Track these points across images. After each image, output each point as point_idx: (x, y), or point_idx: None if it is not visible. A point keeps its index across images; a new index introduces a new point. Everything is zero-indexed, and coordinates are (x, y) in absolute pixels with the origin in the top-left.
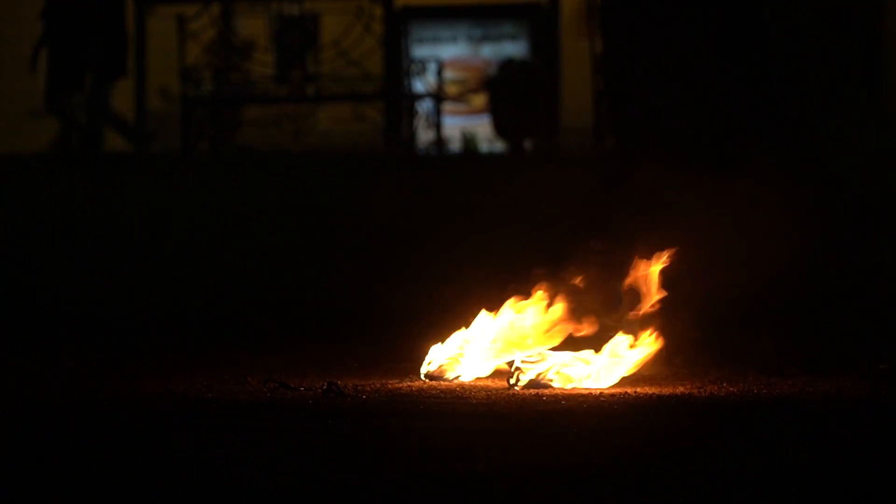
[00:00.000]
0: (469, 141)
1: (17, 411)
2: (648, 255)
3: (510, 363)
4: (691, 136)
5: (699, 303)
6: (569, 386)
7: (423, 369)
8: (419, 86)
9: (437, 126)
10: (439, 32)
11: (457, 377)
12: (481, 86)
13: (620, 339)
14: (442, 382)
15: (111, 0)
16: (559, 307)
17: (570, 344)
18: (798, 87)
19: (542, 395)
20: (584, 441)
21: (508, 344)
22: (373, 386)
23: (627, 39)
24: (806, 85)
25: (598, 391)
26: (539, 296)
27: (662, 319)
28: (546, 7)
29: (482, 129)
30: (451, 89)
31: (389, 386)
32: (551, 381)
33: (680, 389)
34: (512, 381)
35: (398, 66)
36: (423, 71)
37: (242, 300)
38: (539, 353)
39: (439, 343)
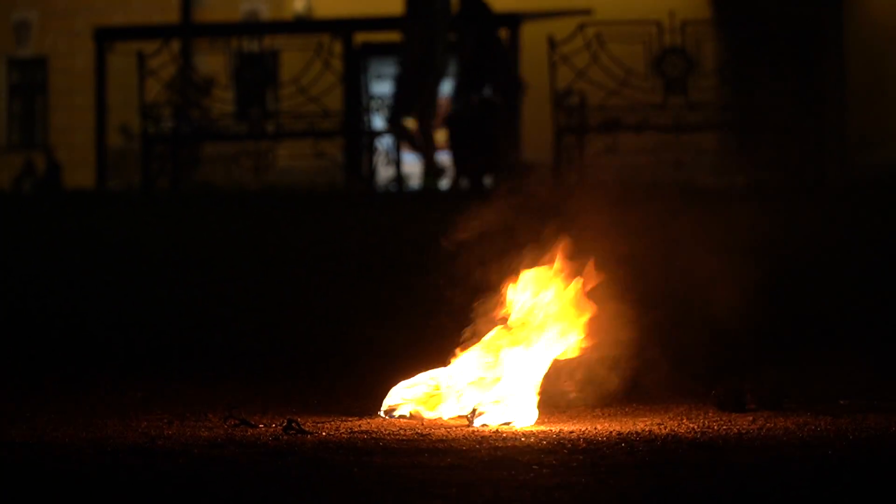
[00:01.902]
0: (429, 178)
1: None
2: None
3: (471, 401)
4: None
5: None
6: (528, 424)
7: (383, 407)
8: (379, 122)
9: (397, 163)
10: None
11: (416, 415)
12: (441, 122)
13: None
14: (401, 420)
15: None
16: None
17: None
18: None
19: (502, 433)
20: (545, 478)
21: (470, 383)
22: (333, 423)
23: None
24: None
25: (558, 427)
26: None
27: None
28: (505, 43)
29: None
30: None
31: (349, 423)
32: (510, 422)
33: (640, 426)
34: (471, 417)
35: (358, 103)
36: (382, 107)
37: (201, 335)
38: (499, 392)
39: (400, 380)
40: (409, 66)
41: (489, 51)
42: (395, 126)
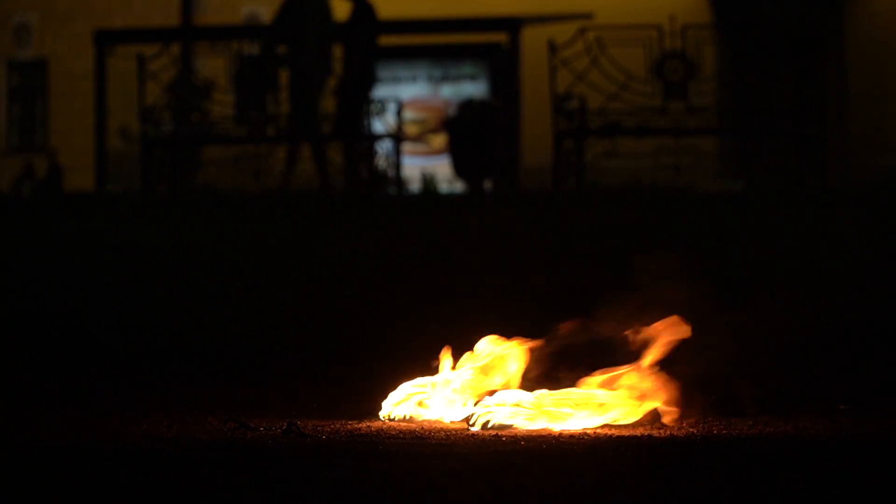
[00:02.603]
0: (428, 182)
1: None
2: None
3: (471, 405)
4: None
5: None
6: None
7: (383, 410)
8: (378, 126)
9: (397, 166)
10: (399, 72)
11: (417, 418)
12: (441, 126)
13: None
14: (402, 423)
15: None
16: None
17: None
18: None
19: (502, 436)
20: (544, 482)
21: (471, 387)
22: (332, 426)
23: None
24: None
25: (558, 432)
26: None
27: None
28: (506, 47)
29: (442, 169)
30: (410, 129)
31: (349, 426)
32: (510, 425)
33: (639, 430)
34: (471, 421)
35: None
36: (382, 111)
37: (202, 338)
38: (500, 395)
39: (400, 384)
40: (294, 73)
41: (376, 56)
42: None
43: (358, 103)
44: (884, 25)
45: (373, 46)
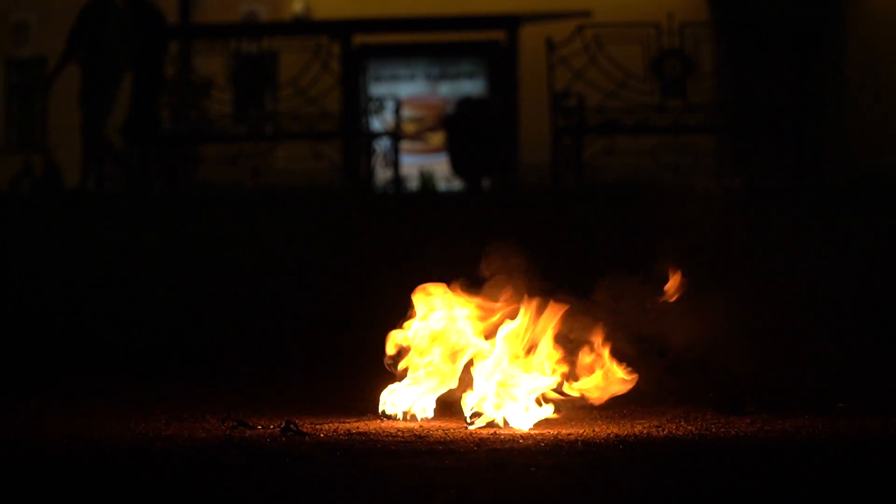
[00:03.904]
0: (427, 179)
1: None
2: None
3: (470, 403)
4: None
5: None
6: (525, 425)
7: (381, 408)
8: (377, 124)
9: (395, 164)
10: (397, 70)
11: (414, 416)
12: (439, 124)
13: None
14: (399, 421)
15: None
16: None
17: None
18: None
19: (500, 434)
20: (543, 480)
21: (469, 383)
22: (330, 425)
23: None
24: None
25: (556, 430)
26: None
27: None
28: (504, 45)
29: (440, 167)
30: (408, 127)
31: (347, 425)
32: (508, 424)
33: (638, 428)
34: (469, 419)
35: (356, 104)
36: (380, 109)
37: (200, 337)
38: (496, 392)
39: (397, 382)
40: (90, 77)
41: (163, 60)
42: (91, 136)
43: (152, 106)
44: (882, 23)
45: (162, 50)
